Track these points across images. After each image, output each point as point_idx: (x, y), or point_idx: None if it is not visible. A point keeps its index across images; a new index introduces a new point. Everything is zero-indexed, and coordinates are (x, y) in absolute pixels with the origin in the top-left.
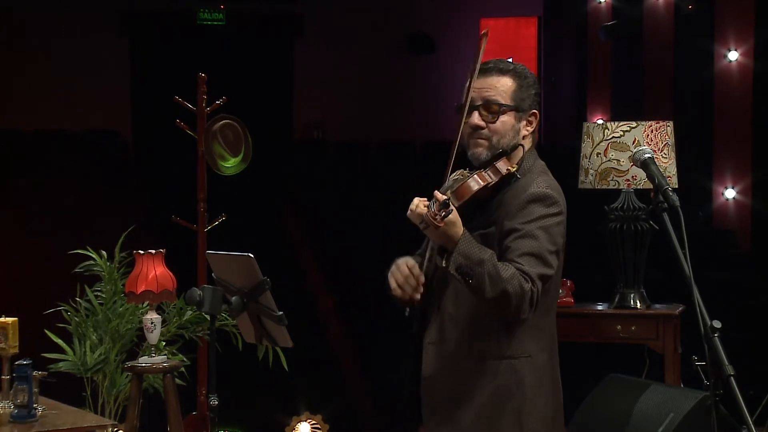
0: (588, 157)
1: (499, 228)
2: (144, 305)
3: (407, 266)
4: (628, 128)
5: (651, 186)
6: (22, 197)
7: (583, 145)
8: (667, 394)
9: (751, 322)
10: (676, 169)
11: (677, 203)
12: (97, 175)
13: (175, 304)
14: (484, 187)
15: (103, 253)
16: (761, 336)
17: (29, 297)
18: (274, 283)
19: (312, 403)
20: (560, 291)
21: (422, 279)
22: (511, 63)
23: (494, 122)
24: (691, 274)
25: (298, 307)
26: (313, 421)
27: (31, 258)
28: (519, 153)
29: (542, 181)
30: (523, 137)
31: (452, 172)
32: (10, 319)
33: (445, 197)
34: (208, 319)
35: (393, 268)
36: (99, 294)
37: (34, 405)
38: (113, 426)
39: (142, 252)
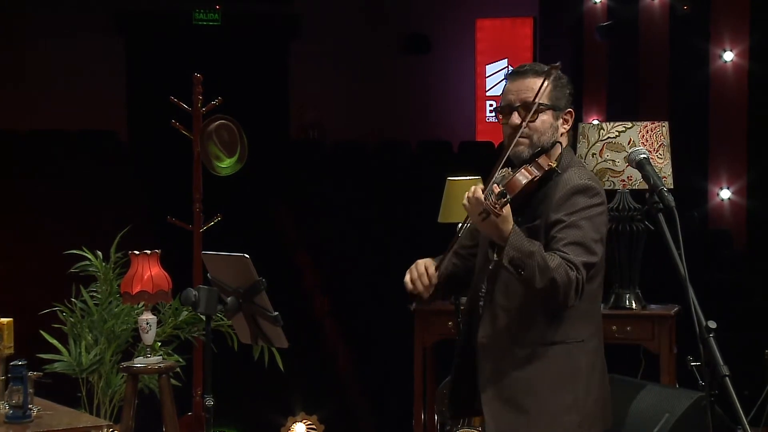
0: (583, 157)
1: (544, 220)
2: (139, 306)
3: (424, 266)
4: (624, 129)
5: (646, 186)
6: (17, 197)
7: (578, 145)
8: (662, 394)
9: (747, 322)
10: (671, 170)
11: (672, 204)
12: (92, 175)
13: (170, 305)
14: (531, 180)
15: (99, 253)
16: (756, 336)
17: (24, 297)
18: (270, 283)
19: (307, 404)
20: None
21: (434, 281)
22: (545, 65)
23: (534, 121)
24: (687, 274)
25: (294, 307)
26: (309, 422)
27: (26, 258)
28: (557, 150)
29: (584, 174)
30: (561, 134)
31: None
32: (5, 320)
33: (501, 189)
34: (204, 319)
35: (412, 266)
36: (94, 294)
37: (29, 405)
38: (108, 426)
39: (137, 252)
